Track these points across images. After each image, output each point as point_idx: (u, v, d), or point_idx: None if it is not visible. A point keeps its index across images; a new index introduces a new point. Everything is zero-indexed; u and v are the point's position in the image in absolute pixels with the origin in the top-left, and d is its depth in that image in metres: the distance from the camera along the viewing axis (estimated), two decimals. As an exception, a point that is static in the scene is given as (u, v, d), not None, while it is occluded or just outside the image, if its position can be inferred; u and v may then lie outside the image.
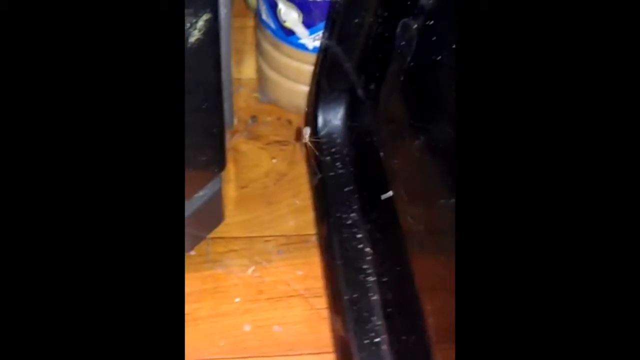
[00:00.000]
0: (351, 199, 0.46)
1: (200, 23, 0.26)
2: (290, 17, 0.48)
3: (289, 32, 0.49)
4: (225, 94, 0.35)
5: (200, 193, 0.39)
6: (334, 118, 0.48)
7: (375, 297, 0.40)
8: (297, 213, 0.49)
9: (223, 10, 0.31)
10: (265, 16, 0.50)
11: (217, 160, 0.37)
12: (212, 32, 0.27)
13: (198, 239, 0.44)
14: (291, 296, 0.44)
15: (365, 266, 0.42)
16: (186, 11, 0.25)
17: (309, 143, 0.45)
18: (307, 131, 0.46)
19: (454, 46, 0.31)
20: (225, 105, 0.36)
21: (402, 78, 0.39)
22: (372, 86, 0.44)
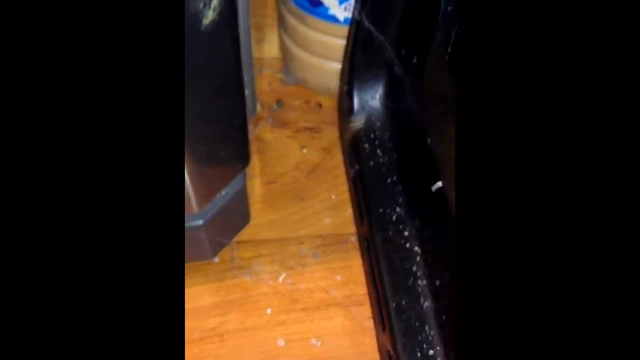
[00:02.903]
0: (395, 192, 0.46)
1: (215, 2, 0.26)
2: (317, -16, 0.48)
3: (316, 3, 0.49)
4: (246, 78, 0.36)
5: (222, 192, 0.39)
6: (372, 99, 0.48)
7: (427, 304, 0.40)
8: (334, 210, 0.50)
9: (240, -16, 0.31)
10: (287, -15, 0.51)
11: (240, 155, 0.38)
12: (229, 11, 0.28)
13: (222, 245, 0.44)
14: (329, 305, 0.44)
15: (414, 268, 0.42)
16: (198, -10, 0.26)
17: (359, 132, 0.45)
18: (361, 117, 0.45)
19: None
20: (247, 92, 0.36)
21: (449, 49, 0.39)
22: (415, 60, 0.44)
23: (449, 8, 0.39)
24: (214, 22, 0.27)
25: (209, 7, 0.27)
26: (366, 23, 0.43)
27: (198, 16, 0.27)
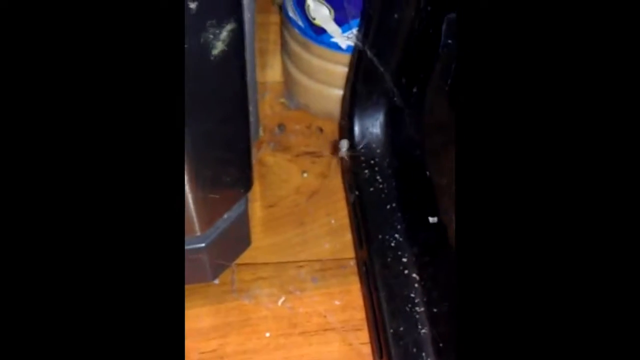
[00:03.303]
0: (394, 218, 0.46)
1: (224, 34, 0.27)
2: (320, 13, 0.49)
3: (320, 30, 0.50)
4: (250, 105, 0.36)
5: (224, 216, 0.40)
6: (372, 126, 0.49)
7: (424, 331, 0.40)
8: (333, 234, 0.50)
9: (247, 15, 0.32)
10: (291, 12, 0.51)
11: (243, 180, 0.38)
12: (237, 42, 0.28)
13: (222, 267, 0.45)
14: (327, 329, 0.45)
15: (412, 295, 0.42)
16: (208, 22, 0.26)
17: (346, 158, 0.46)
18: (344, 144, 0.46)
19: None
20: (251, 118, 0.37)
21: (449, 81, 0.40)
22: (416, 89, 0.45)
23: (449, 41, 0.39)
24: (223, 53, 0.28)
25: (218, 39, 0.27)
26: (369, 53, 0.44)
27: (207, 47, 0.27)
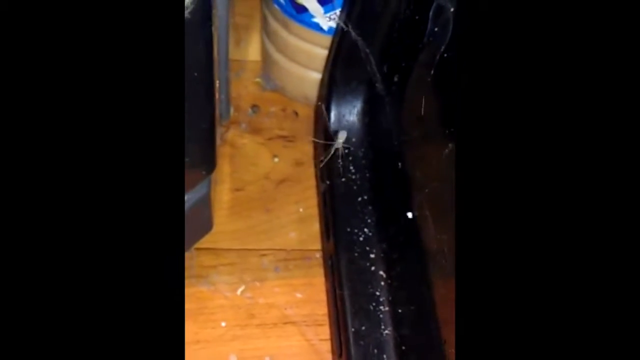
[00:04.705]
0: (365, 212, 0.44)
1: (187, 1, 0.25)
2: (303, -9, 0.46)
3: (301, 9, 0.48)
4: (220, 81, 0.34)
5: (184, 197, 0.37)
6: (349, 113, 0.47)
7: (387, 332, 0.39)
8: (301, 224, 0.48)
9: (219, -17, 0.29)
10: (273, -12, 0.49)
11: (206, 161, 0.36)
12: (203, 10, 0.26)
13: (180, 251, 0.43)
14: (287, 323, 0.43)
15: (377, 293, 0.40)
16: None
17: (341, 149, 0.44)
18: (342, 135, 0.44)
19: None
20: (222, 96, 0.35)
21: (432, 71, 0.38)
22: (397, 78, 0.43)
23: (436, 29, 0.37)
24: (187, 21, 0.26)
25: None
26: (353, 34, 0.41)
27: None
